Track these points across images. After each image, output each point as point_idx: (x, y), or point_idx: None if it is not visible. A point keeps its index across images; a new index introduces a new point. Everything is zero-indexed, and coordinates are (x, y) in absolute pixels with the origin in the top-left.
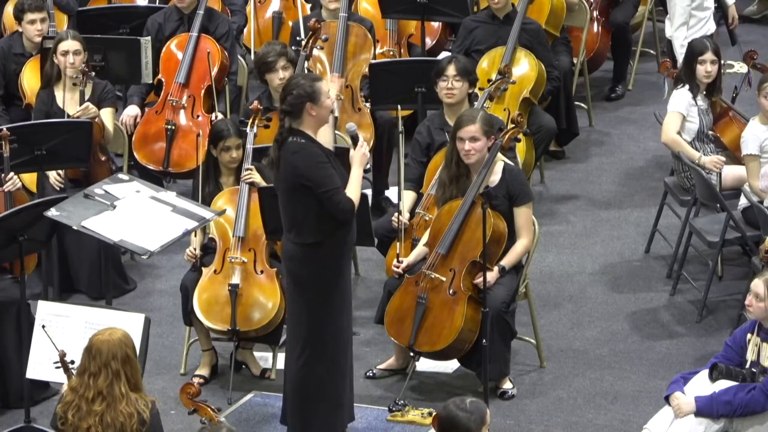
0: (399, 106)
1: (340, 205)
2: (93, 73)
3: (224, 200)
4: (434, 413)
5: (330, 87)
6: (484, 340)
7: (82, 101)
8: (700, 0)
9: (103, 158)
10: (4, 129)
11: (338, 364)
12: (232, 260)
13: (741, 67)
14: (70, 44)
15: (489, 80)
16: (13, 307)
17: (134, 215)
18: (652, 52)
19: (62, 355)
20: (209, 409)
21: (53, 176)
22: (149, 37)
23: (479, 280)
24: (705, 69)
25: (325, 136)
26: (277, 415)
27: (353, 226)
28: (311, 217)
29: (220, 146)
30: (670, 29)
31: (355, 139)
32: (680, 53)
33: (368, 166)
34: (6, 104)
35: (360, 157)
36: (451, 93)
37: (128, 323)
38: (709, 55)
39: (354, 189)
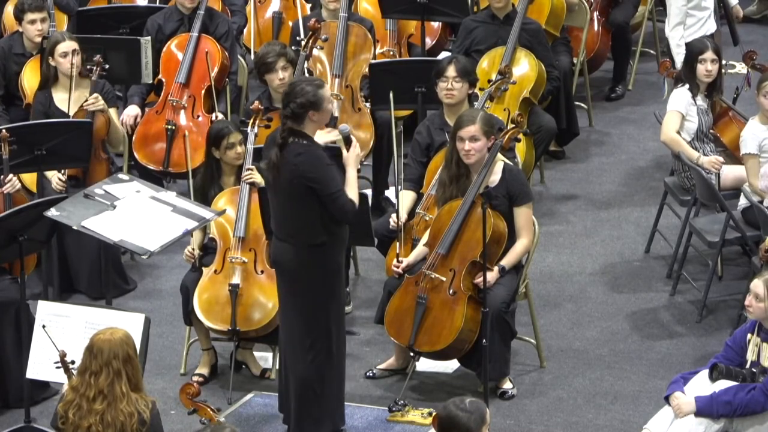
0: (392, 107)
1: (345, 207)
2: (106, 65)
3: (225, 200)
4: (434, 413)
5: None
6: (484, 340)
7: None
8: (698, 0)
9: (104, 156)
10: (3, 131)
11: (341, 361)
12: (233, 260)
13: (742, 68)
14: (70, 45)
15: (489, 80)
16: (12, 307)
17: (134, 215)
18: (652, 52)
19: (62, 355)
20: (209, 409)
21: (55, 180)
22: (149, 37)
23: (479, 280)
24: (705, 68)
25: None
26: (278, 415)
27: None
28: (317, 218)
29: (223, 145)
30: (668, 29)
31: (348, 141)
32: (676, 53)
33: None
34: (6, 104)
35: (354, 158)
36: (451, 94)
37: (128, 323)
38: (709, 54)
39: (352, 190)
